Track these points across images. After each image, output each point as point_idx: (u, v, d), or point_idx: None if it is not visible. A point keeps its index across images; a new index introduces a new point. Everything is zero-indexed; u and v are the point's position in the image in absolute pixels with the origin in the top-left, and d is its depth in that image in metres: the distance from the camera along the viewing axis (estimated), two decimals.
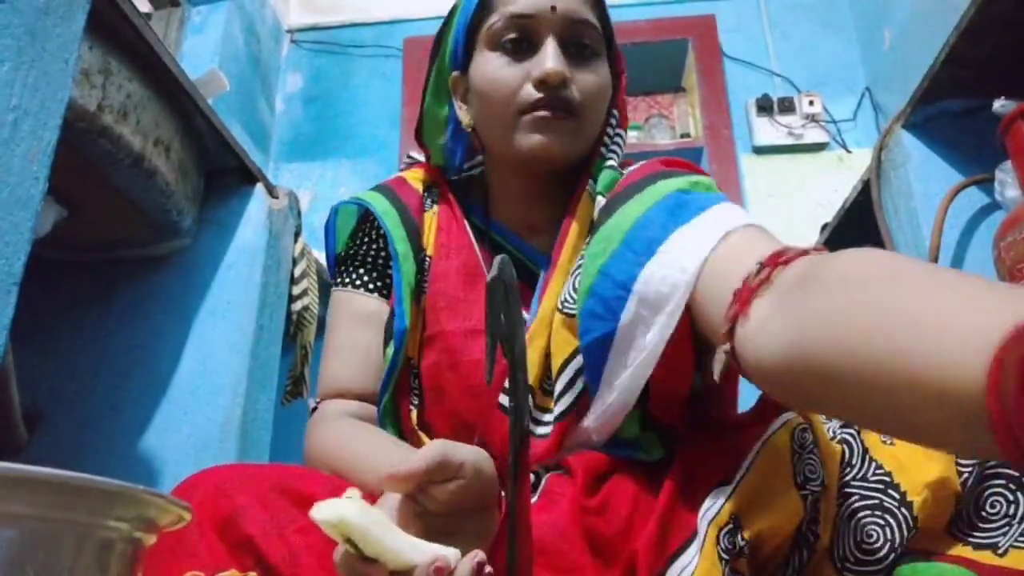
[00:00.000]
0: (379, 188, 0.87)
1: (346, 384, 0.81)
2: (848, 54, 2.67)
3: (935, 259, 1.18)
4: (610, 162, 0.80)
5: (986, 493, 0.55)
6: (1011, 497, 0.54)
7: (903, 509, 0.57)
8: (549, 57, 0.72)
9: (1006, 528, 0.54)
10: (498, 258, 0.49)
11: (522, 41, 0.75)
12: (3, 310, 0.72)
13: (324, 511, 0.47)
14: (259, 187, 1.42)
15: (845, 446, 0.61)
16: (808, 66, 2.65)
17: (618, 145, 0.82)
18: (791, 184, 2.51)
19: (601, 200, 0.77)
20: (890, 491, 0.57)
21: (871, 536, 0.58)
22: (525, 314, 0.76)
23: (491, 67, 0.76)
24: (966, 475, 0.56)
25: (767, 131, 2.54)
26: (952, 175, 1.26)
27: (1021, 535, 0.53)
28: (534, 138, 0.74)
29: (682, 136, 2.65)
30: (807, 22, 2.74)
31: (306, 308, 1.57)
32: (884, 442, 0.60)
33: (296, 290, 1.54)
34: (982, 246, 1.21)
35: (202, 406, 1.24)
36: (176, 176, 1.22)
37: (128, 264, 1.35)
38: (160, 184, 1.18)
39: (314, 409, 0.83)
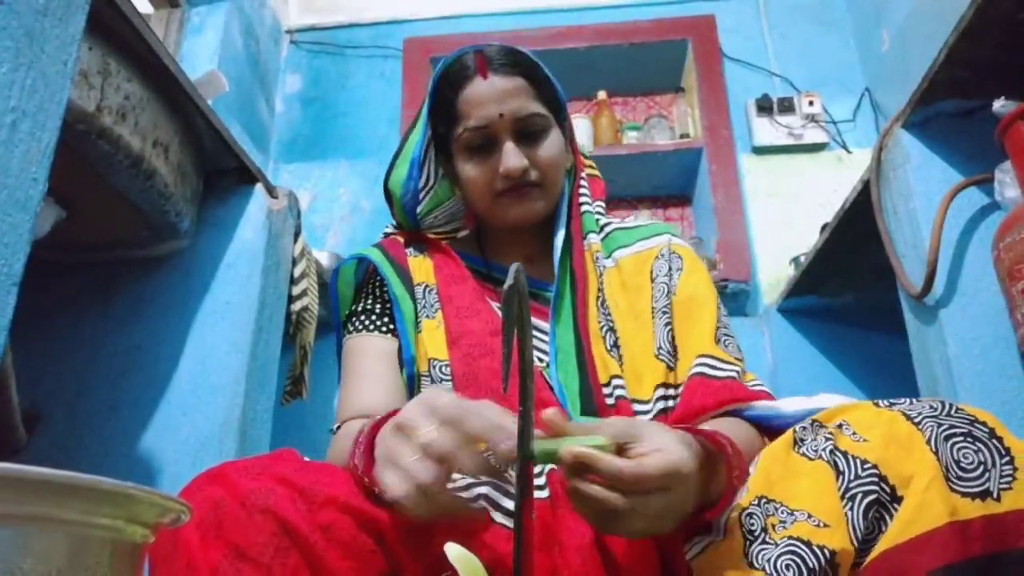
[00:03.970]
0: (373, 245, 1.04)
1: (365, 405, 0.89)
2: (847, 54, 2.67)
3: (935, 259, 1.18)
4: (585, 207, 1.02)
5: (955, 447, 0.58)
6: (975, 447, 0.57)
7: (895, 504, 0.58)
8: (508, 157, 0.93)
9: (987, 474, 0.56)
10: (513, 266, 0.52)
11: (484, 144, 0.95)
12: (3, 311, 0.72)
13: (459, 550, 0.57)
14: (258, 187, 1.42)
15: (832, 466, 0.61)
16: (808, 66, 2.65)
17: (584, 185, 1.04)
18: (791, 184, 2.51)
19: (593, 237, 1.00)
20: (882, 485, 0.58)
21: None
22: (544, 323, 0.93)
23: (467, 169, 0.97)
24: (928, 435, 0.58)
25: (767, 131, 2.54)
26: (952, 175, 1.25)
27: (1001, 477, 0.56)
28: (512, 211, 0.96)
29: (682, 136, 2.65)
30: (806, 22, 2.74)
31: (306, 308, 1.57)
32: (856, 441, 0.61)
33: (296, 290, 1.54)
34: (982, 246, 1.21)
35: (201, 406, 1.24)
36: (175, 177, 1.22)
37: (127, 265, 1.35)
38: (159, 185, 1.18)
39: (335, 432, 0.89)
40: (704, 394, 0.84)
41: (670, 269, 0.98)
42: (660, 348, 0.90)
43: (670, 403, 0.87)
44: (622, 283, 0.97)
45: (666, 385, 0.88)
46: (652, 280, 0.97)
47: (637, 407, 0.87)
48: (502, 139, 0.94)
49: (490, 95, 0.93)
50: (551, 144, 0.96)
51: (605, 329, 0.92)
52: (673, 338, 0.92)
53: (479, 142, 0.95)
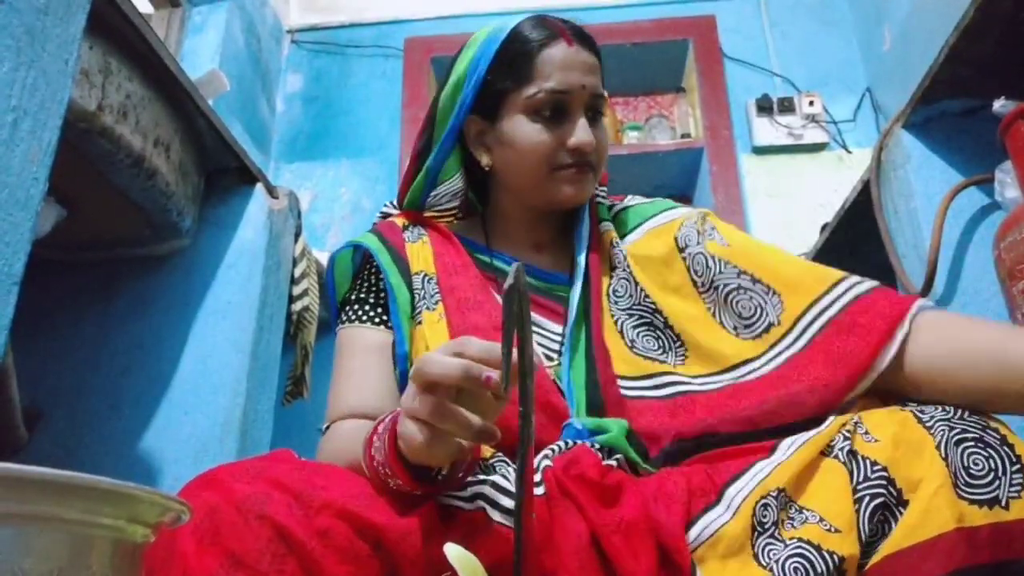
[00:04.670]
0: (370, 231, 0.98)
1: (355, 405, 0.86)
2: (848, 54, 2.67)
3: (935, 259, 1.18)
4: (600, 197, 1.00)
5: (965, 453, 0.57)
6: (985, 454, 0.57)
7: (900, 508, 0.57)
8: (583, 131, 0.88)
9: (997, 482, 0.56)
10: (514, 266, 0.51)
11: (555, 111, 0.89)
12: (3, 310, 0.72)
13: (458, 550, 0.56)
14: (259, 187, 1.42)
15: (846, 467, 0.61)
16: (808, 66, 2.65)
17: None
18: (791, 184, 2.51)
19: (607, 224, 0.96)
20: (889, 488, 0.58)
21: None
22: (556, 325, 0.89)
23: (529, 131, 0.89)
24: (938, 440, 0.58)
25: (767, 131, 2.54)
26: (952, 175, 1.25)
27: (1011, 485, 0.56)
28: (566, 189, 0.90)
29: (682, 136, 2.65)
30: (807, 22, 2.74)
31: (306, 308, 1.57)
32: (868, 441, 0.60)
33: (296, 290, 1.55)
34: (982, 246, 1.21)
35: (202, 406, 1.24)
36: (176, 176, 1.22)
37: (128, 264, 1.35)
38: (160, 184, 1.18)
39: (325, 431, 0.87)
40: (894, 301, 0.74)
41: (698, 234, 0.90)
42: (736, 327, 0.83)
43: (764, 370, 0.79)
44: (647, 258, 0.92)
45: (755, 359, 0.80)
46: (681, 250, 0.91)
47: (702, 381, 0.82)
48: (575, 112, 0.89)
49: (577, 63, 0.89)
50: (606, 129, 0.94)
51: (639, 316, 0.88)
52: (742, 303, 0.83)
53: (552, 107, 0.88)
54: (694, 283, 0.88)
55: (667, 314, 0.87)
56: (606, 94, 0.93)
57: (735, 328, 0.83)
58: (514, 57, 0.90)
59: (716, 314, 0.85)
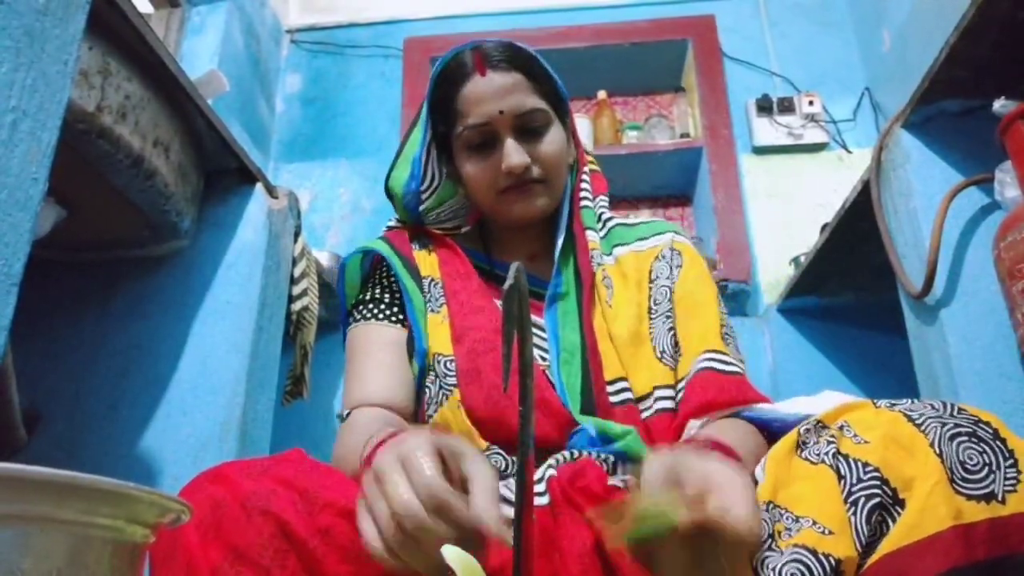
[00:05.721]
0: (380, 239, 1.04)
1: (373, 394, 0.90)
2: (848, 54, 2.67)
3: (935, 259, 1.18)
4: (585, 203, 1.01)
5: (960, 448, 0.57)
6: (979, 448, 0.57)
7: (896, 507, 0.57)
8: (509, 154, 0.92)
9: (992, 476, 0.56)
10: (513, 265, 0.51)
11: (485, 142, 0.94)
12: (3, 311, 0.72)
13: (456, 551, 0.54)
14: (259, 187, 1.42)
15: (834, 470, 0.61)
16: (808, 66, 2.65)
17: (586, 180, 1.03)
18: (791, 184, 2.51)
19: (592, 234, 0.98)
20: (884, 488, 0.58)
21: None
22: (543, 320, 0.92)
23: (469, 166, 0.96)
24: (932, 438, 0.58)
25: (767, 131, 2.54)
26: (952, 175, 1.25)
27: (1006, 479, 0.56)
28: (515, 207, 0.95)
29: (682, 136, 2.65)
30: (806, 22, 2.74)
31: (306, 308, 1.57)
32: (857, 443, 0.60)
33: (296, 290, 1.54)
34: (982, 246, 1.21)
35: (201, 406, 1.24)
36: (175, 177, 1.22)
37: (127, 265, 1.35)
38: (159, 185, 1.18)
39: (344, 418, 0.90)
40: (717, 390, 0.84)
41: (671, 269, 0.98)
42: (664, 352, 0.91)
43: (668, 404, 0.87)
44: (623, 275, 0.97)
45: (667, 387, 0.88)
46: (651, 281, 0.97)
47: (639, 406, 0.87)
48: (503, 136, 0.93)
49: (489, 92, 0.92)
50: (552, 139, 0.95)
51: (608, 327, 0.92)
52: (675, 339, 0.92)
53: (479, 140, 0.94)
54: (650, 309, 0.95)
55: (614, 332, 0.92)
56: (540, 105, 0.94)
57: (662, 352, 0.91)
58: (442, 102, 0.96)
59: (655, 338, 0.92)
